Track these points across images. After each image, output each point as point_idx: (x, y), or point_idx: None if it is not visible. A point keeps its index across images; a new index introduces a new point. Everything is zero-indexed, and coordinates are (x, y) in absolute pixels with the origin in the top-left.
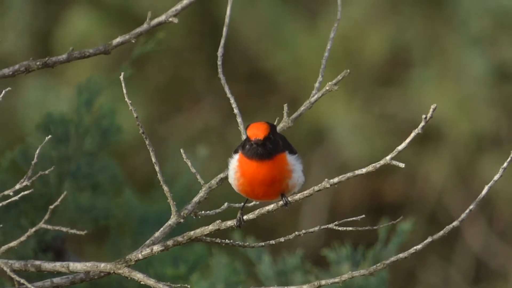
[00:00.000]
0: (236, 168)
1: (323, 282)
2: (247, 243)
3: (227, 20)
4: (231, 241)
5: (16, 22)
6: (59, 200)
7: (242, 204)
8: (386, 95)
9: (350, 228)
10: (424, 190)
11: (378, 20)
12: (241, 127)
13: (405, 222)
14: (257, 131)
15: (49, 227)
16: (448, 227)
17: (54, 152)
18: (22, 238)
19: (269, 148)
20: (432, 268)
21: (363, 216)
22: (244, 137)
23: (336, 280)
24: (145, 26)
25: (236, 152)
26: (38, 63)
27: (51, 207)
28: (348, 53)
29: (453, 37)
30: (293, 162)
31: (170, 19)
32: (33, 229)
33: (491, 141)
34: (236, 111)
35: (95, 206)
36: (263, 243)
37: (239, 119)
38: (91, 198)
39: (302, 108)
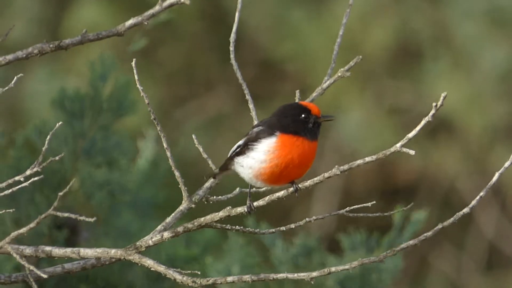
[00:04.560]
0: (271, 149)
1: (333, 269)
2: (258, 230)
3: (239, 5)
4: (241, 227)
5: (25, 10)
6: (68, 187)
7: (249, 190)
8: (397, 88)
9: (361, 215)
10: (437, 175)
11: (384, 10)
12: (253, 113)
13: (420, 211)
14: (317, 110)
15: (58, 213)
16: (458, 214)
17: (68, 128)
18: (32, 225)
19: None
20: (445, 254)
21: (374, 202)
22: (256, 122)
23: (346, 267)
24: (157, 7)
25: (263, 134)
26: (51, 45)
27: (61, 193)
28: (355, 44)
29: (462, 29)
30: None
31: (182, 0)
32: (43, 216)
33: (504, 132)
34: (248, 97)
35: (111, 181)
36: (273, 230)
37: (251, 105)
38: (107, 174)
39: (314, 94)
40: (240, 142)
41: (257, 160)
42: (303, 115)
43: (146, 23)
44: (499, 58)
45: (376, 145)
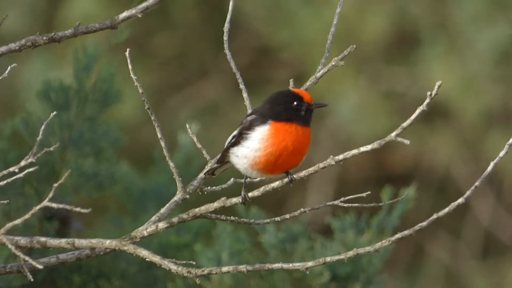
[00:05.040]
0: (265, 137)
1: (328, 259)
2: (253, 220)
3: None
4: (236, 218)
5: (18, 1)
6: (63, 178)
7: (244, 181)
8: (392, 72)
9: (356, 205)
10: (433, 162)
11: None
12: (247, 102)
13: (409, 189)
14: (309, 97)
15: (53, 205)
16: (453, 204)
17: (55, 119)
18: (27, 216)
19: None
20: (441, 242)
21: (369, 192)
22: (250, 111)
23: (341, 257)
24: (151, 0)
25: (255, 123)
26: (44, 37)
27: (55, 185)
28: (351, 31)
29: (458, 14)
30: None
31: None
32: (37, 207)
33: (498, 117)
34: (242, 86)
35: (99, 172)
36: (268, 220)
37: (244, 94)
38: (95, 165)
39: (308, 83)
40: (235, 132)
41: (251, 149)
42: (295, 103)
43: (140, 15)
44: (495, 41)
45: (372, 129)
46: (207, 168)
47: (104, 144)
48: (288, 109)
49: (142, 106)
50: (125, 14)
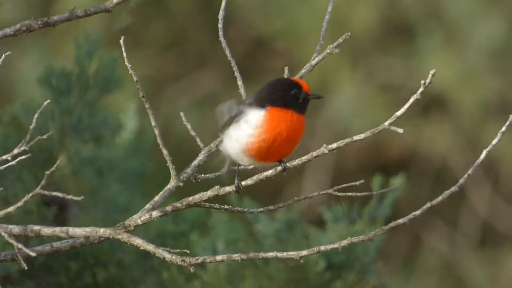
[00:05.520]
0: (259, 123)
1: (322, 248)
2: (247, 209)
3: None
4: (230, 206)
5: None
6: (55, 165)
7: (237, 169)
8: (389, 65)
9: (350, 194)
10: (430, 152)
11: None
12: (242, 90)
13: (398, 177)
14: (307, 87)
15: (45, 192)
16: (446, 192)
17: (55, 105)
18: (19, 204)
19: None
20: (438, 232)
21: (362, 181)
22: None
23: (336, 246)
24: None
25: (251, 107)
26: (39, 22)
27: (47, 172)
28: (343, 21)
29: (454, 5)
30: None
31: None
32: (30, 195)
33: (496, 109)
34: (236, 74)
35: (99, 157)
36: (262, 209)
37: (239, 82)
38: (94, 150)
39: (303, 71)
40: (232, 113)
41: (244, 133)
42: (293, 90)
43: None
44: (492, 33)
45: (368, 121)
46: (200, 156)
47: (103, 131)
48: (286, 96)
49: (137, 95)
50: None
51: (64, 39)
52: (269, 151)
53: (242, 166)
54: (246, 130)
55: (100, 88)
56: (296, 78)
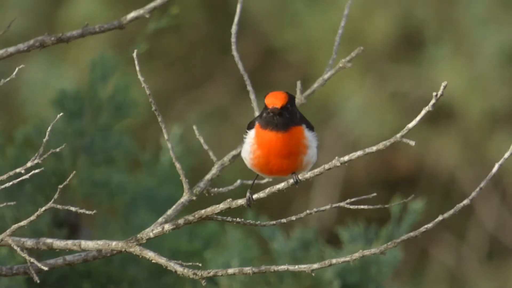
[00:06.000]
0: (252, 141)
1: (333, 261)
2: (258, 222)
3: None
4: (242, 219)
5: (19, 2)
6: (68, 179)
7: (252, 182)
8: (399, 73)
9: (362, 207)
10: (438, 165)
11: None
12: (254, 104)
13: (417, 201)
14: (275, 100)
15: (59, 206)
16: (458, 206)
17: (68, 127)
18: (32, 218)
19: (286, 118)
20: (445, 245)
21: (375, 194)
22: (257, 113)
23: (347, 259)
24: (159, 0)
25: (252, 124)
26: (52, 38)
27: (60, 186)
28: (356, 33)
29: (465, 14)
30: (310, 138)
31: None
32: (43, 209)
33: (504, 118)
34: (249, 88)
35: (110, 181)
36: (274, 222)
37: (252, 96)
38: (106, 173)
39: (315, 85)
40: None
41: (245, 150)
42: (267, 109)
43: (147, 16)
44: (502, 43)
45: (378, 131)
46: (213, 169)
47: (116, 154)
48: (263, 114)
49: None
50: (132, 14)
51: (71, 47)
52: (268, 165)
53: (256, 181)
54: (246, 148)
55: (113, 112)
56: (274, 92)
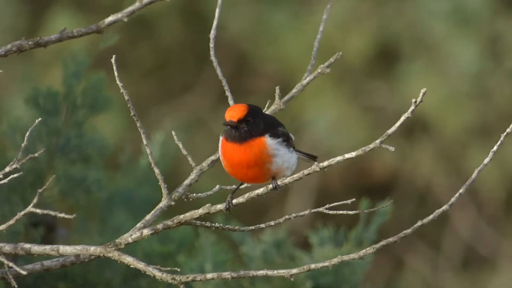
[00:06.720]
0: (220, 150)
1: (312, 266)
2: (238, 227)
3: (219, 1)
4: (221, 225)
5: None
6: (47, 183)
7: (235, 187)
8: (373, 88)
9: (340, 212)
10: (413, 174)
11: (362, 16)
12: None
13: (384, 202)
14: (232, 113)
15: (38, 211)
16: (438, 211)
17: (42, 126)
18: (11, 222)
19: (244, 131)
20: (420, 254)
21: (354, 199)
22: None
23: (326, 264)
24: (137, 4)
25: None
26: (30, 42)
27: (40, 190)
28: (334, 48)
29: (436, 31)
30: (274, 146)
31: None
32: (22, 213)
33: (478, 132)
34: (228, 93)
35: (87, 178)
36: (253, 227)
37: (231, 102)
38: (83, 171)
39: (294, 90)
40: None
41: (220, 157)
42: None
43: (125, 20)
44: (468, 58)
45: (350, 143)
46: (192, 175)
47: (91, 151)
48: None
49: (115, 113)
50: (110, 18)
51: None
52: (237, 174)
53: (239, 186)
54: (219, 156)
55: (88, 109)
56: (234, 105)
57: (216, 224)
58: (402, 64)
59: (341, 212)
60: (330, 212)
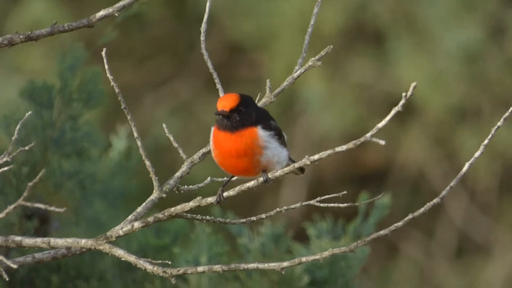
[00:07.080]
0: (211, 140)
1: (303, 259)
2: (228, 220)
3: None
4: (212, 217)
5: None
6: (37, 177)
7: (226, 180)
8: (359, 66)
9: (332, 205)
10: (406, 161)
11: None
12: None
13: (384, 197)
14: (224, 102)
15: (28, 204)
16: (428, 204)
17: (37, 118)
18: (2, 215)
19: (236, 120)
20: (414, 242)
21: (345, 192)
22: None
23: (317, 257)
24: None
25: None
26: (21, 36)
27: (30, 184)
28: (308, 20)
29: (427, 11)
30: (266, 138)
31: None
32: (12, 206)
33: (465, 114)
34: (218, 86)
35: (81, 171)
36: (244, 220)
37: (222, 94)
38: (77, 164)
39: (284, 83)
40: None
41: (210, 148)
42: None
43: (117, 14)
44: (463, 40)
45: (340, 122)
46: (183, 167)
47: (85, 144)
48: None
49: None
50: (102, 13)
51: (11, 56)
52: (225, 165)
53: (230, 179)
54: (210, 145)
55: (83, 102)
56: (226, 94)
57: (207, 217)
58: (389, 43)
59: (332, 205)
60: (321, 205)
